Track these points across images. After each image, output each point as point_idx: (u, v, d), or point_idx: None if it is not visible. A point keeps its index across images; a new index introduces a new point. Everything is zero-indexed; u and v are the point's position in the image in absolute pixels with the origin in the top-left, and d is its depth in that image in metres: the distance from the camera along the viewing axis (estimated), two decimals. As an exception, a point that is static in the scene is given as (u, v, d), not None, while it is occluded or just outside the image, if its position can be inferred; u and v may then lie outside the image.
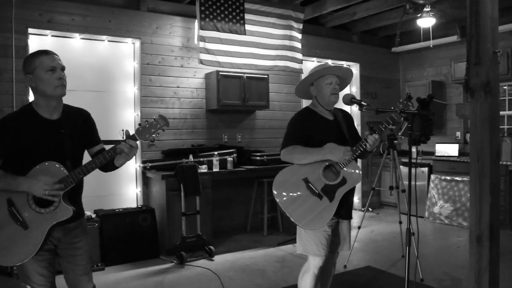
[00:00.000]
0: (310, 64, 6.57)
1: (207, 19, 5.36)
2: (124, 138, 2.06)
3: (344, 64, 7.13)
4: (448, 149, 6.77)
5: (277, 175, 2.59)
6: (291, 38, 6.11)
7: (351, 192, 2.64)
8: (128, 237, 4.54)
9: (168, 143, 5.40)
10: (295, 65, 6.16)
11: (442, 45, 6.90)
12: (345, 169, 2.53)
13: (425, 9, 5.25)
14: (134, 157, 5.49)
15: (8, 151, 2.01)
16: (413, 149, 2.85)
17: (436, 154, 6.82)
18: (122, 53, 5.29)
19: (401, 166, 5.33)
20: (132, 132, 2.11)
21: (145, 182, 5.26)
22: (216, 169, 5.10)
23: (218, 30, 5.44)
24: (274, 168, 4.89)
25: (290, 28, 6.08)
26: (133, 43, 5.32)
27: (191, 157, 4.98)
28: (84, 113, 2.28)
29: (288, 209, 2.52)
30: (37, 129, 2.05)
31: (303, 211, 2.49)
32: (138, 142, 2.10)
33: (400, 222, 4.51)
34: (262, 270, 4.24)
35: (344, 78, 2.79)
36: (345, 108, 3.02)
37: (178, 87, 5.50)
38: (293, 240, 4.98)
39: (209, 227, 4.94)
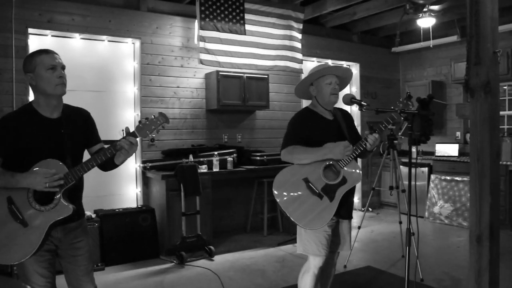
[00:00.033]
0: (310, 64, 6.56)
1: (207, 19, 5.37)
2: (124, 135, 2.06)
3: (344, 64, 7.13)
4: (448, 149, 6.77)
5: (277, 175, 2.59)
6: (291, 38, 6.11)
7: (351, 192, 2.64)
8: (128, 237, 4.54)
9: (168, 143, 5.40)
10: (295, 65, 6.16)
11: (442, 45, 6.90)
12: (345, 168, 2.53)
13: (425, 9, 5.25)
14: (134, 157, 5.50)
15: (8, 150, 2.02)
16: (413, 149, 2.85)
17: (436, 154, 6.83)
18: (122, 53, 5.29)
19: (401, 166, 5.33)
20: (132, 129, 2.11)
21: (145, 182, 5.26)
22: (216, 169, 5.10)
23: (218, 30, 5.44)
24: (274, 168, 4.89)
25: (290, 28, 6.09)
26: (133, 43, 5.32)
27: (191, 157, 4.98)
28: (84, 112, 2.28)
29: (288, 209, 2.51)
30: (37, 128, 2.05)
31: (303, 211, 2.49)
32: (138, 140, 2.10)
33: (400, 222, 4.51)
34: (262, 270, 4.24)
35: (343, 78, 2.79)
36: (345, 108, 3.02)
37: (178, 87, 5.50)
38: (293, 240, 4.98)
39: (209, 227, 4.94)
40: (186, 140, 5.55)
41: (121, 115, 5.25)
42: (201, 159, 5.10)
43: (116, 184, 5.20)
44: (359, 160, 2.71)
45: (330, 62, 6.85)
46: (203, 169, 5.00)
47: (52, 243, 2.10)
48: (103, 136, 2.34)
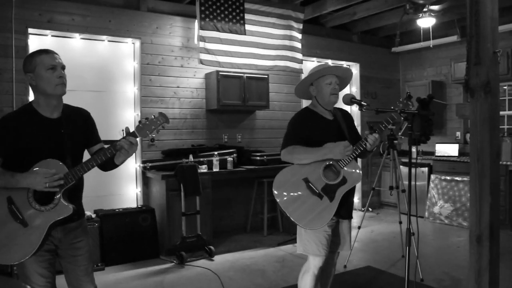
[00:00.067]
0: (310, 64, 6.56)
1: (207, 19, 5.37)
2: (124, 135, 2.06)
3: (344, 64, 7.13)
4: (448, 149, 6.77)
5: (278, 175, 2.59)
6: (291, 38, 6.11)
7: (351, 192, 2.64)
8: (128, 237, 4.54)
9: (168, 143, 5.40)
10: (295, 65, 6.16)
11: (442, 45, 6.89)
12: (345, 168, 2.53)
13: (425, 9, 5.25)
14: (134, 157, 5.50)
15: (8, 150, 2.02)
16: (413, 149, 2.85)
17: (436, 154, 6.83)
18: (122, 53, 5.29)
19: (401, 166, 5.33)
20: (132, 129, 2.11)
21: (145, 182, 5.26)
22: (216, 169, 5.10)
23: (218, 30, 5.44)
24: (274, 168, 4.89)
25: (290, 28, 6.09)
26: (133, 43, 5.32)
27: (191, 157, 4.98)
28: (84, 112, 2.28)
29: (289, 209, 2.51)
30: (37, 128, 2.05)
31: (304, 211, 2.49)
32: (138, 140, 2.10)
33: (400, 222, 4.51)
34: (262, 270, 4.24)
35: (343, 78, 2.79)
36: (345, 108, 3.02)
37: (178, 87, 5.50)
38: (293, 240, 4.98)
39: (209, 227, 4.94)
40: (186, 140, 5.55)
41: (121, 115, 5.25)
42: (201, 159, 5.10)
43: (116, 184, 5.20)
44: (359, 160, 2.71)
45: (330, 62, 6.85)
46: (203, 169, 5.00)
47: (52, 243, 2.10)
48: (103, 136, 2.34)
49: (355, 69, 7.30)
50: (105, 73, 5.18)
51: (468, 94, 2.32)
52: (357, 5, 5.98)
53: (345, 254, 4.22)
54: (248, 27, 5.71)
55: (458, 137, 6.97)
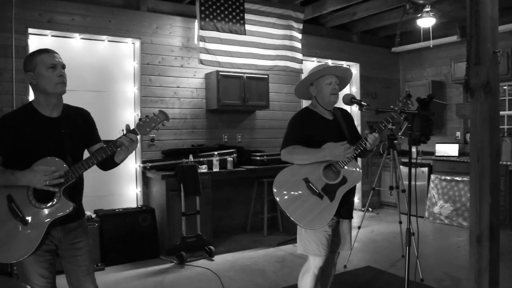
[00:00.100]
0: (310, 64, 6.57)
1: (207, 19, 5.37)
2: (125, 132, 2.06)
3: (344, 64, 7.13)
4: (448, 149, 6.77)
5: (278, 175, 2.59)
6: (291, 38, 6.11)
7: (351, 192, 2.64)
8: (128, 237, 4.54)
9: (168, 143, 5.40)
10: (295, 65, 6.16)
11: (442, 45, 6.89)
12: (345, 168, 2.53)
13: (425, 9, 5.25)
14: (134, 157, 5.49)
15: (8, 150, 2.02)
16: (413, 149, 2.85)
17: (436, 154, 6.83)
18: (122, 53, 5.29)
19: (401, 166, 5.33)
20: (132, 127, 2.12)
21: (145, 182, 5.26)
22: (216, 169, 5.10)
23: (218, 30, 5.44)
24: (274, 168, 4.89)
25: (290, 28, 6.08)
26: (133, 43, 5.32)
27: (191, 157, 4.98)
28: (84, 112, 2.29)
29: (289, 209, 2.51)
30: (37, 127, 2.06)
31: (304, 211, 2.49)
32: (138, 137, 2.10)
33: (400, 222, 4.51)
34: (262, 270, 4.24)
35: (343, 78, 2.79)
36: (345, 108, 3.02)
37: (178, 87, 5.50)
38: (293, 240, 4.98)
39: (209, 227, 4.94)
40: (186, 140, 5.54)
41: (121, 115, 5.25)
42: (201, 159, 5.10)
43: (116, 184, 5.20)
44: (359, 159, 2.72)
45: (330, 62, 6.85)
46: (203, 169, 5.00)
47: (52, 243, 2.10)
48: (103, 136, 2.34)
49: (355, 69, 7.30)
50: (105, 73, 5.18)
51: (468, 94, 2.32)
52: (357, 5, 5.98)
53: (345, 254, 4.22)
54: (248, 27, 5.71)
55: (458, 137, 6.97)
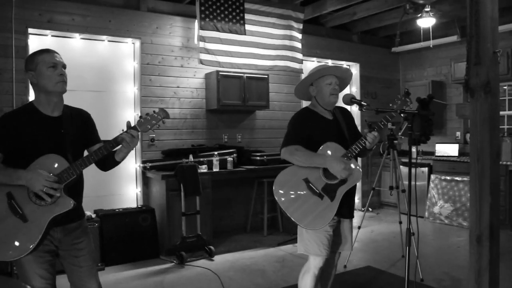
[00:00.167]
0: (310, 64, 6.57)
1: (207, 19, 5.36)
2: (126, 129, 2.07)
3: (344, 64, 7.13)
4: (448, 149, 6.77)
5: (278, 175, 2.59)
6: (291, 38, 6.11)
7: (352, 191, 2.64)
8: (128, 237, 4.54)
9: (168, 143, 5.40)
10: (295, 65, 6.16)
11: (442, 45, 6.89)
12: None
13: (425, 9, 5.25)
14: (134, 157, 5.48)
15: (8, 148, 2.02)
16: (413, 149, 2.86)
17: (436, 154, 6.83)
18: (122, 53, 5.29)
19: (401, 166, 5.33)
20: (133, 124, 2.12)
21: (145, 182, 5.26)
22: (216, 169, 5.10)
23: (218, 30, 5.44)
24: (274, 168, 4.90)
25: (290, 28, 6.08)
26: (133, 43, 5.32)
27: (191, 157, 4.98)
28: (84, 114, 2.29)
29: (289, 209, 2.52)
30: (37, 127, 2.06)
31: (304, 211, 2.49)
32: (139, 134, 2.10)
33: (400, 222, 4.51)
34: (262, 270, 4.24)
35: (343, 78, 2.79)
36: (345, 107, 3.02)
37: (178, 87, 5.50)
38: (293, 240, 4.98)
39: (209, 227, 4.94)
40: (186, 140, 5.55)
41: (121, 115, 5.25)
42: (201, 159, 5.10)
43: (116, 184, 5.20)
44: (359, 159, 2.72)
45: (330, 62, 6.85)
46: (203, 169, 5.00)
47: (52, 244, 2.09)
48: (103, 136, 2.34)
49: (355, 69, 7.30)
50: (105, 73, 5.18)
51: (468, 94, 2.32)
52: (357, 5, 5.98)
53: (345, 254, 4.22)
54: (248, 27, 5.71)
55: (458, 137, 6.97)
